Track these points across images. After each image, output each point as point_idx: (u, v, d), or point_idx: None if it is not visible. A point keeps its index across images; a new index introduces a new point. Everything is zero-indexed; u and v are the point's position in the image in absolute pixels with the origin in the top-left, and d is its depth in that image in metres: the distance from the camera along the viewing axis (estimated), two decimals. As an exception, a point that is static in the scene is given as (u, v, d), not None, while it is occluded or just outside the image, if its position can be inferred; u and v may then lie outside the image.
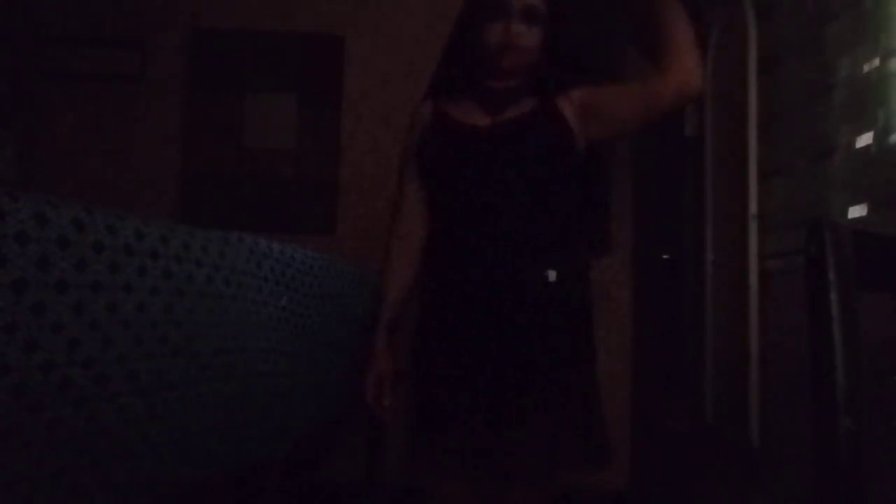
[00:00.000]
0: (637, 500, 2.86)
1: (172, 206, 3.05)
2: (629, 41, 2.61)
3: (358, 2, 3.19)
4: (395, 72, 3.11)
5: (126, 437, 1.17)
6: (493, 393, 1.41)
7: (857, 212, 1.65)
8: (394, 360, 1.55)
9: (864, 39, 1.66)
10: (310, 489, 2.80)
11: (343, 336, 2.00)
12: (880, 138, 1.59)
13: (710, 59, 2.30)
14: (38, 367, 0.99)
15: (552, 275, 1.43)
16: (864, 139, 1.64)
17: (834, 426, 0.77)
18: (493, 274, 1.43)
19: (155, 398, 1.23)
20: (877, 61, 1.61)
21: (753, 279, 1.97)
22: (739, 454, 2.00)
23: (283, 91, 3.08)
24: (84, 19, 3.12)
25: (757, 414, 1.94)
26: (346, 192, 3.08)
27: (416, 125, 1.61)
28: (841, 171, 1.74)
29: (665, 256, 2.67)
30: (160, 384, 1.24)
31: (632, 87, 1.46)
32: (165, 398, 1.26)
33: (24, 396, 0.97)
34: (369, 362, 1.55)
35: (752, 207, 1.99)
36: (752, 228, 1.99)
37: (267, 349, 1.60)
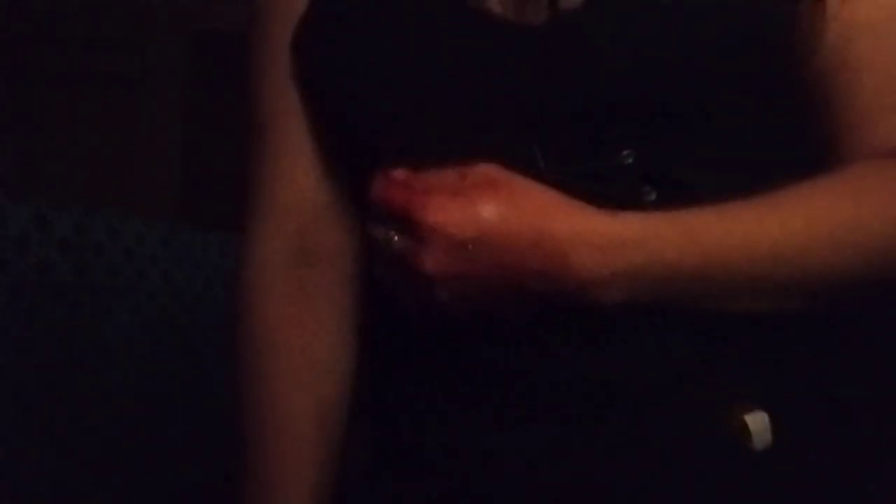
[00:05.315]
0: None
1: (172, 207, 3.05)
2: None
3: (357, 3, 3.20)
4: (395, 73, 3.11)
5: (124, 439, 1.17)
6: None
7: (856, 212, 1.65)
8: None
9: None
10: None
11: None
12: (880, 138, 1.59)
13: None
14: (34, 368, 0.99)
15: (762, 430, 0.44)
16: (864, 139, 1.64)
17: (834, 426, 0.77)
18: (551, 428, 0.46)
19: (154, 400, 1.23)
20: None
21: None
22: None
23: (283, 92, 3.09)
24: (84, 21, 3.12)
25: (757, 414, 1.94)
26: (346, 193, 3.08)
27: None
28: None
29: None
30: (159, 386, 1.24)
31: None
32: (164, 399, 1.26)
33: (20, 399, 0.97)
34: None
35: (752, 207, 1.99)
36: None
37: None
